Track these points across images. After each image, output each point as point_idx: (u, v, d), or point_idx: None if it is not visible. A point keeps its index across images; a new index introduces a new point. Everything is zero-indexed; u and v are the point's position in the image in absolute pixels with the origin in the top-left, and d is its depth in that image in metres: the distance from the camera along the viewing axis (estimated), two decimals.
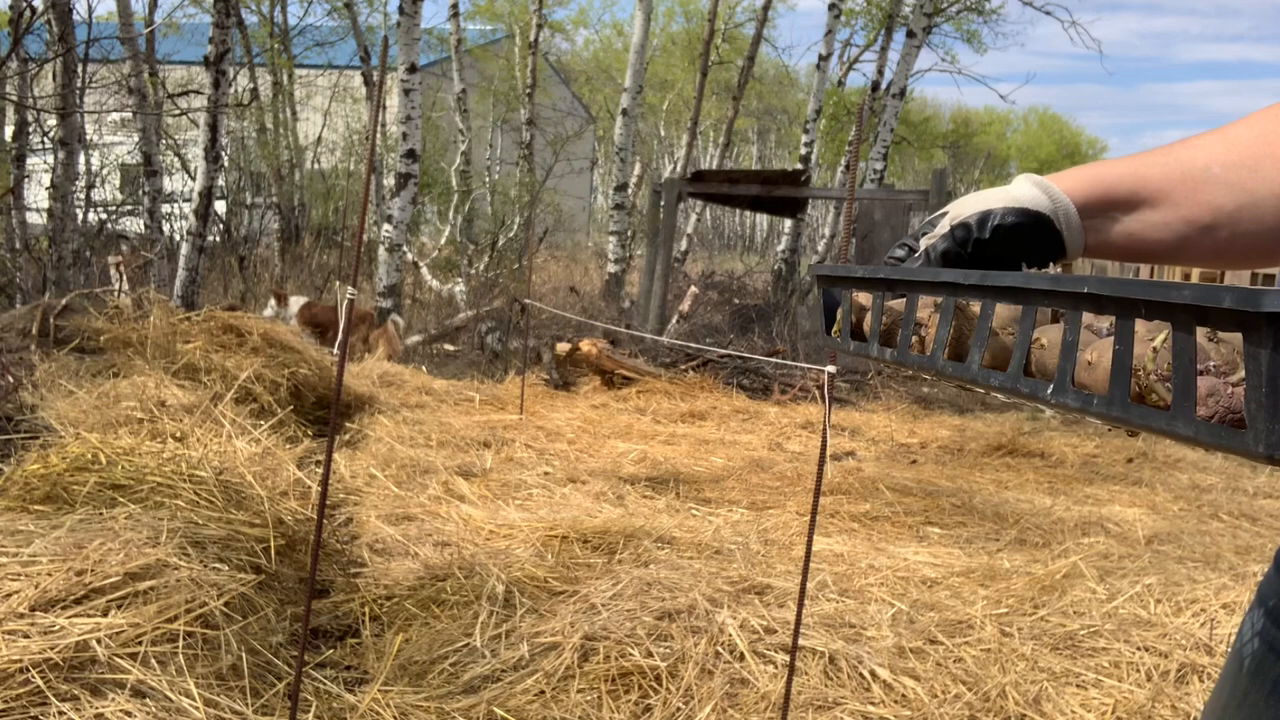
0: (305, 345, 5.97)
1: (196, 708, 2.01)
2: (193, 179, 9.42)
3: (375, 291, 9.54)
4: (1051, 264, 0.82)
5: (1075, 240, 0.81)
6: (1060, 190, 0.80)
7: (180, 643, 2.17)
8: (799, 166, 14.13)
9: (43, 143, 9.20)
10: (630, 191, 16.34)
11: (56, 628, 2.08)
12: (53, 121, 8.24)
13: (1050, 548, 3.88)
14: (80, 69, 8.23)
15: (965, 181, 41.67)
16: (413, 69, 8.90)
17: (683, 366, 7.64)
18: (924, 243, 0.79)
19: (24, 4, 6.87)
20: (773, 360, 7.72)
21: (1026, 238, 0.78)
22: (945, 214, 0.81)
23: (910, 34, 13.25)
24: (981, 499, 4.66)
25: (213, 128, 8.04)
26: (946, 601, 3.12)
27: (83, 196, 10.09)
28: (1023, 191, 0.80)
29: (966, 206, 0.80)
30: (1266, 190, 0.80)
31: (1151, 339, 0.56)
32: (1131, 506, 4.71)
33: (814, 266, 0.90)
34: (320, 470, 4.13)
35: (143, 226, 10.06)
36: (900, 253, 0.82)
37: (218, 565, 2.59)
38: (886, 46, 15.46)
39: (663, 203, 11.28)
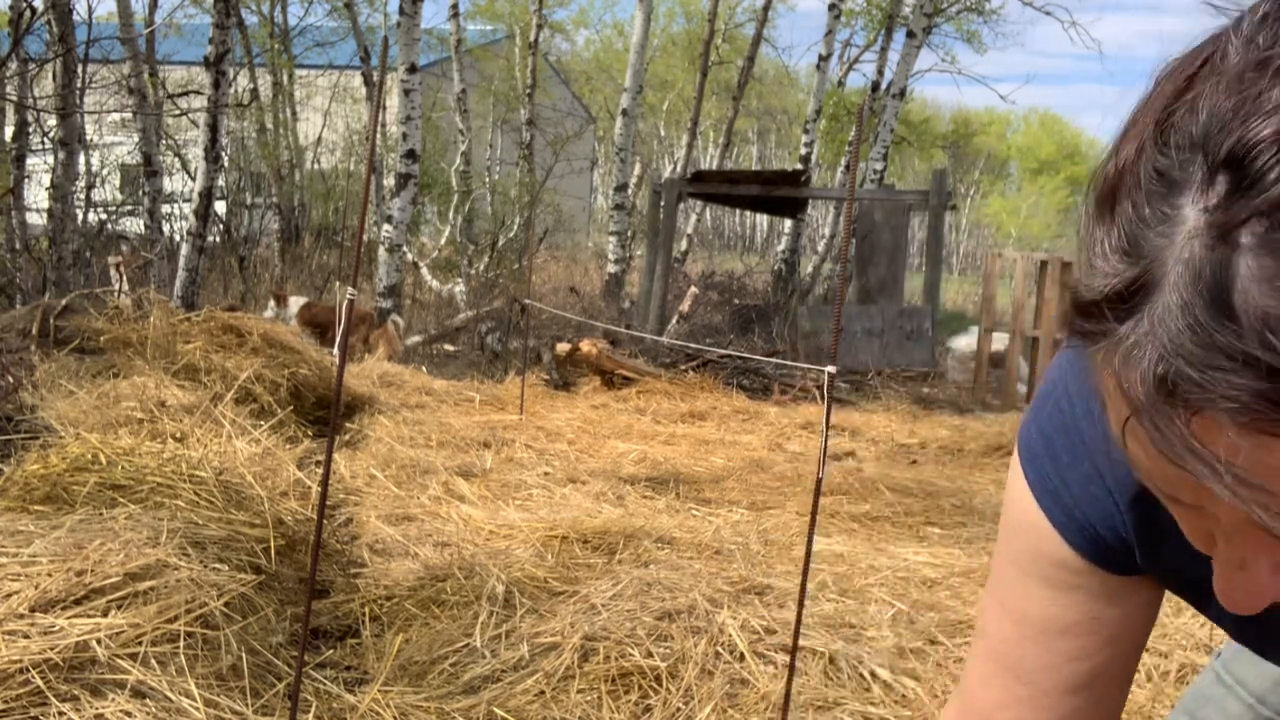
0: (305, 345, 5.97)
1: (196, 708, 2.01)
2: (193, 179, 9.42)
3: (375, 292, 9.54)
4: None
5: None
6: None
7: (180, 643, 2.17)
8: (799, 167, 14.13)
9: (43, 143, 9.20)
10: (630, 192, 16.34)
11: (56, 628, 2.08)
12: (53, 121, 8.24)
13: None
14: (80, 69, 8.23)
15: (965, 182, 41.67)
16: (413, 69, 8.91)
17: (683, 367, 7.65)
18: None
19: (24, 4, 6.87)
20: (773, 360, 7.73)
21: None
22: None
23: (910, 34, 13.25)
24: (981, 499, 4.65)
25: (213, 128, 8.05)
26: (946, 601, 3.12)
27: (83, 197, 10.09)
28: None
29: None
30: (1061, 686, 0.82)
31: None
32: None
33: None
34: (320, 470, 4.12)
35: (143, 227, 10.06)
36: None
37: (218, 565, 2.59)
38: (886, 47, 15.47)
39: (663, 203, 11.28)
